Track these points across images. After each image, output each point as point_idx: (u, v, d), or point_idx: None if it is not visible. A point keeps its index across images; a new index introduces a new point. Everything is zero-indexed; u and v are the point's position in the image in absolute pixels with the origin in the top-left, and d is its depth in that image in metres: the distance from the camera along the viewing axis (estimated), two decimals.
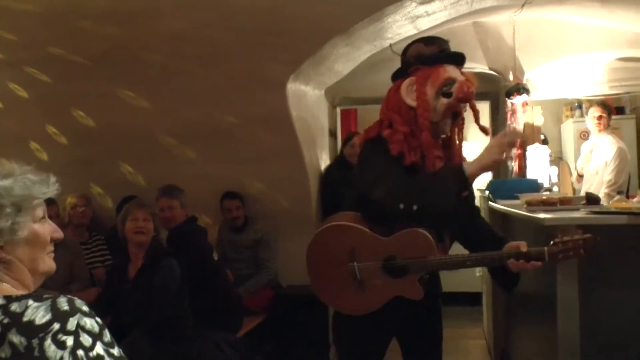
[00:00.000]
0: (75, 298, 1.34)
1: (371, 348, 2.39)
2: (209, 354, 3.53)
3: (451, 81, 2.25)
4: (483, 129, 2.44)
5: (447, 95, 2.26)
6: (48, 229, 1.47)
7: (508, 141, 2.21)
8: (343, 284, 2.29)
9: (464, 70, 2.38)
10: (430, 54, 2.34)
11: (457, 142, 2.41)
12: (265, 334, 4.43)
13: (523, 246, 2.23)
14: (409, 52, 2.45)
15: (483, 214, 5.23)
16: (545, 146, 5.90)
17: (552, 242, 2.18)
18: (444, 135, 2.37)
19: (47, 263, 1.46)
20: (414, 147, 2.24)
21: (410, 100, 2.28)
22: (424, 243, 2.21)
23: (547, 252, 2.14)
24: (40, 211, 1.45)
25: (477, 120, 2.40)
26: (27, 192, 1.41)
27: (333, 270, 2.30)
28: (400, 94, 2.30)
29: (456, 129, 2.38)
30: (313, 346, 4.52)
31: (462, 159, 2.40)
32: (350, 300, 2.32)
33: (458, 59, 2.35)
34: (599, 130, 5.46)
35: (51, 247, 1.48)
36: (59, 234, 1.50)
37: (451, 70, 2.28)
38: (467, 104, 2.35)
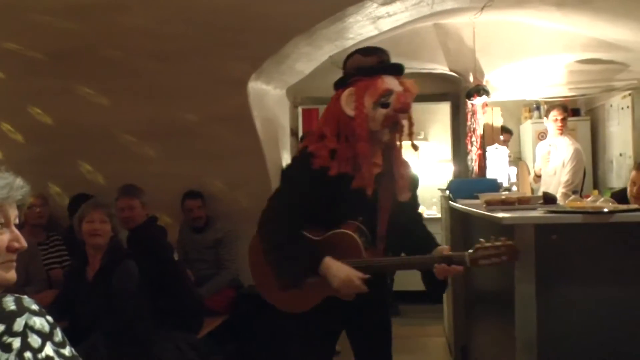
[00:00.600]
0: (24, 297, 1.27)
1: (318, 344, 2.44)
2: (169, 356, 3.49)
3: (389, 92, 2.30)
4: (414, 146, 2.50)
5: (385, 105, 2.31)
6: (5, 237, 1.36)
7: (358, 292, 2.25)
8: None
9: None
10: (368, 65, 2.38)
11: (398, 147, 2.45)
12: (227, 334, 4.39)
13: (446, 250, 2.32)
14: (348, 62, 2.49)
15: (443, 213, 5.33)
16: (505, 147, 6.00)
17: (474, 248, 2.23)
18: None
19: (3, 273, 1.35)
20: (347, 157, 2.29)
21: (350, 110, 2.32)
22: (350, 245, 2.26)
23: (468, 257, 2.20)
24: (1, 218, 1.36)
25: (410, 134, 2.46)
26: None
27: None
28: (340, 103, 2.34)
29: (397, 136, 2.42)
30: (275, 346, 4.49)
31: (402, 163, 2.44)
32: (287, 298, 2.35)
33: (397, 70, 2.40)
34: (560, 133, 5.60)
35: (10, 257, 1.37)
36: (19, 244, 1.38)
37: (389, 82, 2.32)
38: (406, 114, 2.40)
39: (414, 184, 2.51)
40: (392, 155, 2.42)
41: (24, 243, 1.40)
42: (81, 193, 4.59)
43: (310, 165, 2.30)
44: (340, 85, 2.42)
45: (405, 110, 2.33)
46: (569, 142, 5.66)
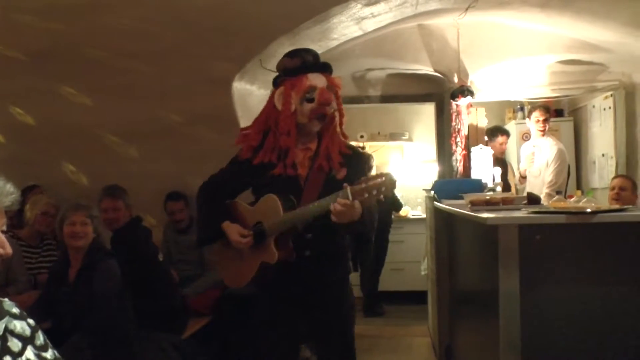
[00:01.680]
0: (5, 300, 1.25)
1: (280, 328, 2.67)
2: (152, 356, 3.47)
3: (312, 89, 2.58)
4: (343, 135, 2.74)
5: (311, 100, 2.59)
6: None
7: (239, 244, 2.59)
8: (230, 257, 2.68)
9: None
10: (292, 66, 2.66)
11: (331, 134, 2.68)
12: (211, 335, 4.37)
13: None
14: (278, 65, 2.79)
15: (428, 214, 5.35)
16: (488, 147, 6.03)
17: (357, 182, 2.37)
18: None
19: None
20: (272, 148, 2.62)
21: (280, 106, 2.64)
22: (272, 206, 2.53)
23: (350, 190, 2.30)
24: None
25: (340, 124, 2.71)
26: None
27: (226, 246, 2.66)
28: (273, 101, 2.68)
29: (331, 127, 2.67)
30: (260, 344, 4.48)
31: (334, 147, 2.65)
32: (233, 272, 2.71)
33: (321, 68, 2.67)
34: (542, 134, 5.63)
35: None
36: (3, 251, 1.37)
37: (313, 79, 2.61)
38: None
39: (355, 163, 2.68)
40: (324, 145, 2.65)
41: (9, 250, 1.38)
42: (32, 185, 4.65)
43: (237, 156, 2.74)
44: (274, 85, 2.75)
45: (326, 103, 2.58)
46: (553, 143, 5.69)
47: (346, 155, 2.66)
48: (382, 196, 2.29)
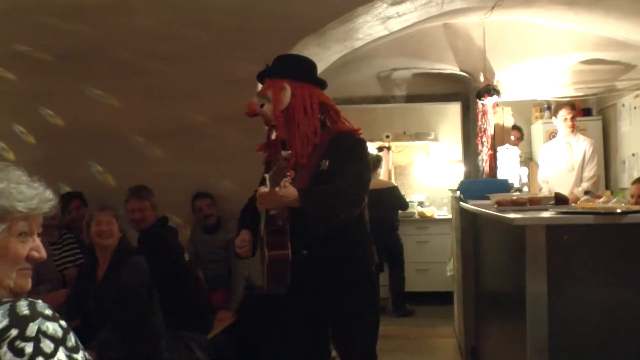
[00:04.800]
0: (38, 301, 1.27)
1: (303, 329, 2.71)
2: (179, 355, 3.50)
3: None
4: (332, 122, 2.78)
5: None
6: (27, 247, 1.36)
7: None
8: (261, 262, 2.68)
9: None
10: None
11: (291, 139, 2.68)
12: (237, 335, 4.38)
13: None
14: None
15: (453, 214, 5.32)
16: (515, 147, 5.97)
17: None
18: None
19: (15, 280, 1.34)
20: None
21: None
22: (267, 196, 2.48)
23: (268, 179, 2.35)
24: (24, 226, 1.36)
25: (298, 117, 2.68)
26: (9, 204, 1.32)
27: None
28: None
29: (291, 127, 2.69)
30: (285, 346, 4.49)
31: (295, 148, 2.64)
32: (264, 277, 2.66)
33: (265, 74, 2.77)
34: (572, 131, 5.51)
35: (26, 265, 1.37)
36: (38, 255, 1.39)
37: (260, 87, 2.77)
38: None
39: (337, 149, 2.65)
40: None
41: (44, 254, 1.41)
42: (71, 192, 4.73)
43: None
44: None
45: (247, 115, 2.74)
46: (583, 138, 5.57)
47: (330, 144, 2.66)
48: (285, 175, 2.28)
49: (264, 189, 2.36)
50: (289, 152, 2.29)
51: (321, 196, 2.49)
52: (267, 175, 2.36)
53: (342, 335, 2.73)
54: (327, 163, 2.62)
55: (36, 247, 1.40)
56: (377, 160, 6.66)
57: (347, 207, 2.54)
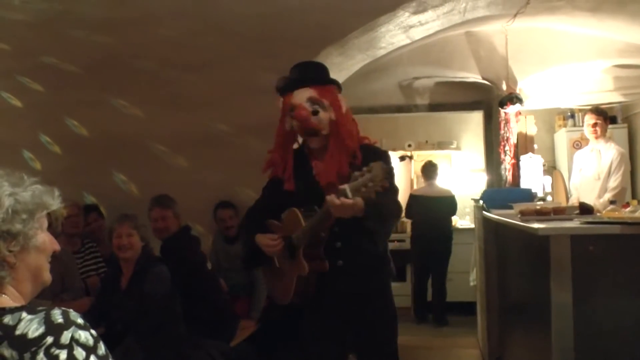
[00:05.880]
0: (70, 310, 1.32)
1: (326, 341, 2.66)
2: None
3: (292, 107, 2.61)
4: (356, 138, 2.70)
5: (294, 117, 2.63)
6: (51, 240, 1.47)
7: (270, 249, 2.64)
8: (274, 276, 2.73)
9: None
10: (280, 86, 2.72)
11: (332, 144, 2.64)
12: (259, 343, 4.38)
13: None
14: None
15: (476, 224, 5.28)
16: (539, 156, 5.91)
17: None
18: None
19: (47, 273, 1.46)
20: (277, 163, 2.75)
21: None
22: (293, 218, 2.57)
23: (349, 189, 2.30)
24: (45, 221, 1.45)
25: (345, 130, 2.64)
26: (38, 200, 1.41)
27: (270, 266, 2.73)
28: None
29: (331, 140, 2.63)
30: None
31: (331, 167, 2.60)
32: (279, 290, 2.73)
33: (303, 82, 2.64)
34: (596, 137, 5.37)
35: (50, 258, 1.48)
36: (57, 246, 1.50)
37: (296, 95, 2.62)
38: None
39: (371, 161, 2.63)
40: (327, 155, 2.65)
41: (57, 246, 1.50)
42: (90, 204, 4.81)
43: (270, 177, 2.82)
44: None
45: (301, 119, 2.59)
46: (613, 146, 5.38)
47: (364, 158, 2.59)
48: (380, 186, 2.27)
49: (346, 200, 2.29)
50: (383, 163, 2.29)
51: (381, 206, 2.48)
52: (346, 186, 2.29)
53: (364, 344, 2.72)
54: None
55: (53, 240, 1.50)
56: (434, 167, 6.69)
57: (396, 218, 2.71)
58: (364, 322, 2.65)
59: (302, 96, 2.61)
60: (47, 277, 1.46)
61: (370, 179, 2.25)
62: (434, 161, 6.95)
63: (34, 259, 1.40)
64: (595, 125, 5.28)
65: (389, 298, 2.74)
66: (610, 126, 6.47)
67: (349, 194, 2.29)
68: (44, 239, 1.43)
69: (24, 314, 1.28)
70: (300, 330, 2.74)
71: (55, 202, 1.46)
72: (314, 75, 2.71)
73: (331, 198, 2.31)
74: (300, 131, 2.66)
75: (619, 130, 6.73)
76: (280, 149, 2.75)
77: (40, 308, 1.31)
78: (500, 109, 5.73)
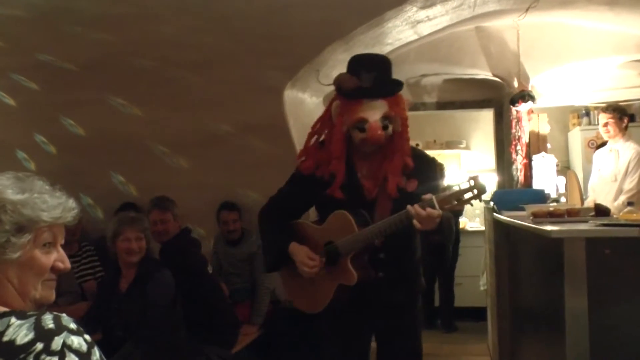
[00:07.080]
0: (63, 315, 1.27)
1: (349, 348, 2.62)
2: None
3: (363, 121, 2.42)
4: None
5: (362, 130, 2.45)
6: (52, 257, 1.39)
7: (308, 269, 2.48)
8: (302, 281, 2.55)
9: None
10: (347, 88, 2.48)
11: (390, 159, 2.52)
12: (262, 349, 4.33)
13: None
14: (334, 79, 2.57)
15: (487, 226, 5.18)
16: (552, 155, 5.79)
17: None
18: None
19: (41, 291, 1.37)
20: (325, 163, 2.53)
21: (335, 120, 2.53)
22: (344, 223, 2.43)
23: (435, 200, 2.26)
24: (48, 236, 1.38)
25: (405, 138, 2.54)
26: (34, 214, 1.34)
27: (293, 269, 2.54)
28: (330, 110, 2.56)
29: (389, 148, 2.52)
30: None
31: (392, 173, 2.49)
32: (307, 297, 2.59)
33: (377, 93, 2.45)
34: (610, 137, 5.24)
35: (51, 276, 1.40)
36: (63, 266, 1.41)
37: (367, 108, 2.42)
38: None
39: (425, 170, 2.57)
40: (385, 164, 2.53)
41: (68, 265, 1.44)
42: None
43: (297, 173, 2.64)
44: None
45: (375, 142, 2.45)
46: (633, 146, 5.20)
47: (415, 165, 2.52)
48: (471, 202, 2.27)
49: (433, 211, 2.24)
50: (475, 176, 2.27)
51: (444, 220, 2.43)
52: (433, 196, 2.25)
53: (389, 353, 2.67)
54: (414, 184, 2.49)
55: (61, 257, 1.42)
56: (441, 168, 6.61)
57: (451, 232, 2.66)
58: (394, 334, 2.62)
59: (376, 112, 2.42)
60: (40, 295, 1.37)
61: (467, 191, 2.24)
62: (441, 161, 6.84)
63: (15, 274, 1.33)
64: (606, 124, 5.19)
65: (418, 308, 2.70)
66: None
67: (436, 205, 2.24)
68: (33, 256, 1.35)
69: (13, 319, 1.23)
70: (313, 334, 2.71)
71: (64, 216, 1.38)
72: (389, 87, 2.51)
73: (416, 208, 2.24)
74: (362, 142, 2.47)
75: (637, 129, 6.57)
76: (338, 152, 2.51)
77: (31, 313, 1.26)
78: (511, 107, 5.65)
